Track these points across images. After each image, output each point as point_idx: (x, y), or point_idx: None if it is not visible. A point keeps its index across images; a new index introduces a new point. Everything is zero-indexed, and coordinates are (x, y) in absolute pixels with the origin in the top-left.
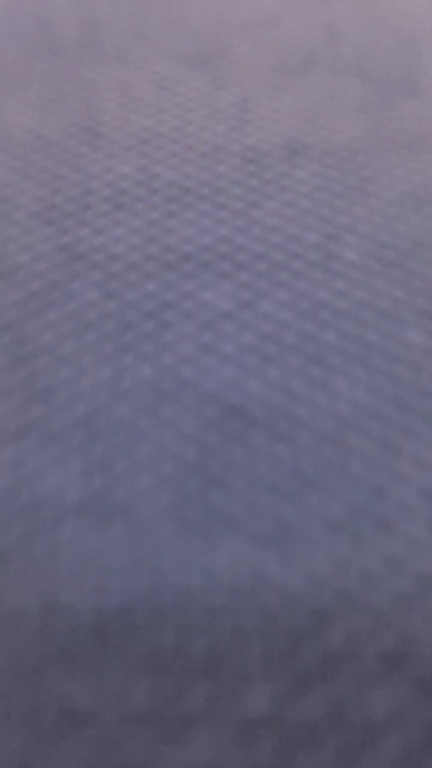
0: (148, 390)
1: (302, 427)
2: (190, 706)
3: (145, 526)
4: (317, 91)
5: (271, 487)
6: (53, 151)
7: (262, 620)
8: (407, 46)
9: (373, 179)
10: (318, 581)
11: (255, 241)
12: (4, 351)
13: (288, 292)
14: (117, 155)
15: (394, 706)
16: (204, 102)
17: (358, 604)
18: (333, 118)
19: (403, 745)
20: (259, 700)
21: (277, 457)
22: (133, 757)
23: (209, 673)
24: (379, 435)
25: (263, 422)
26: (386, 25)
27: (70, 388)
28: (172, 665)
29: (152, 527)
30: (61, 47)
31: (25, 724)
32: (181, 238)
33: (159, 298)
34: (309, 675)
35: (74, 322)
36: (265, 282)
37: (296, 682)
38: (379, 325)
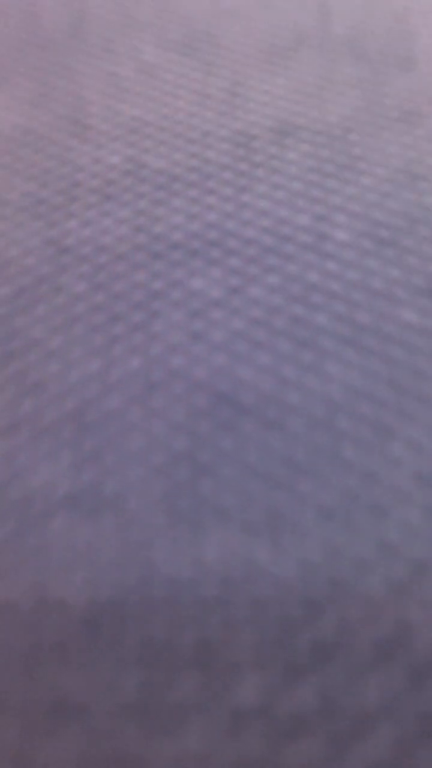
0: (137, 381)
1: (293, 413)
2: (182, 697)
3: (135, 518)
4: (309, 70)
5: (262, 475)
6: (41, 145)
7: (254, 610)
8: (401, 20)
9: (365, 157)
10: (310, 569)
11: (244, 226)
12: None
13: (278, 276)
14: (105, 146)
15: (387, 696)
16: (193, 88)
17: (351, 592)
18: (325, 97)
19: (396, 736)
20: (251, 691)
21: (268, 445)
22: (125, 748)
23: (200, 664)
24: (372, 418)
25: (254, 409)
26: (378, 1)
27: (60, 381)
28: (163, 656)
29: (143, 519)
30: (48, 40)
31: (18, 716)
32: (170, 226)
33: (148, 288)
34: (301, 665)
35: (63, 315)
36: (255, 267)
37: (288, 672)
38: (372, 305)
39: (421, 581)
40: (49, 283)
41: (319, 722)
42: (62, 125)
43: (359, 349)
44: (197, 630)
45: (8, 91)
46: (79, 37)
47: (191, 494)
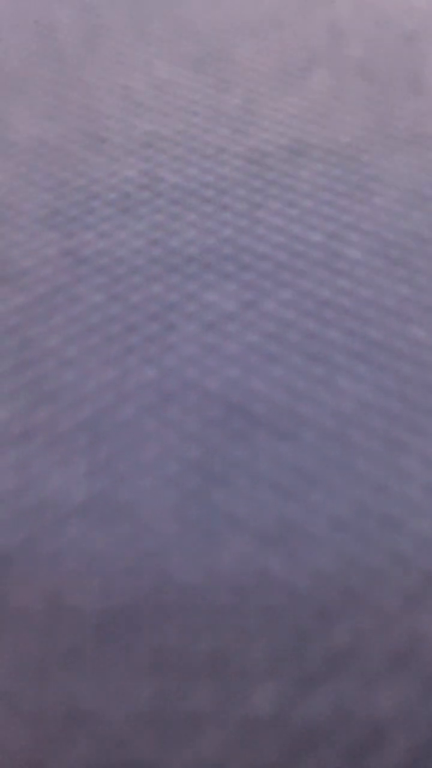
0: (152, 391)
1: (306, 424)
2: (195, 706)
3: (149, 527)
4: (321, 90)
5: (275, 485)
6: (57, 157)
7: (267, 619)
8: (412, 42)
9: (377, 177)
10: (323, 579)
11: (258, 242)
12: (10, 354)
13: (292, 291)
14: (120, 159)
15: (401, 706)
16: (207, 104)
17: (364, 602)
18: (337, 117)
19: (411, 745)
20: (264, 700)
21: (281, 455)
22: (138, 756)
23: (214, 672)
24: (383, 432)
25: (267, 420)
26: (390, 22)
27: (75, 390)
28: (176, 665)
29: (156, 527)
30: (63, 53)
31: (31, 723)
32: (185, 240)
33: (163, 300)
34: (314, 674)
35: (79, 325)
36: (269, 282)
37: (301, 681)
38: (383, 322)
39: (431, 591)
40: (66, 293)
41: (333, 731)
42: (77, 138)
43: (370, 364)
44: (210, 638)
45: (24, 103)
46: (94, 51)
47: (204, 503)
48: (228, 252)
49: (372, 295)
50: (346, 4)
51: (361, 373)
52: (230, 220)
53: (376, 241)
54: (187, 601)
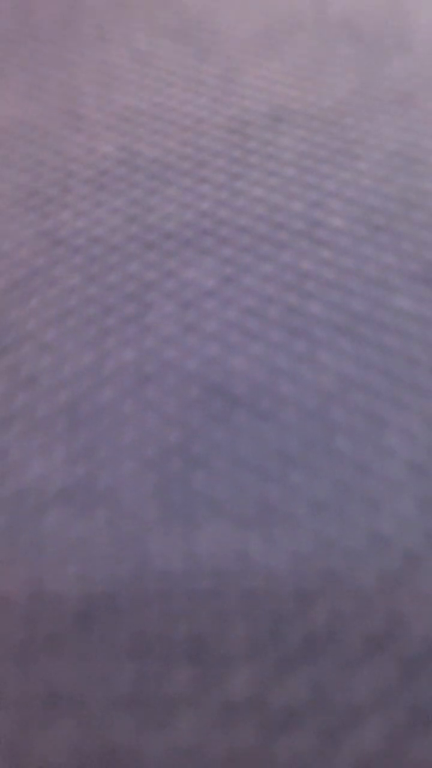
0: (130, 373)
1: (286, 403)
2: (174, 690)
3: (128, 512)
4: (304, 54)
5: (255, 467)
6: (34, 136)
7: (246, 603)
8: (396, 3)
9: (360, 141)
10: (302, 561)
11: (238, 214)
12: None
13: (272, 264)
14: (98, 135)
15: (379, 688)
16: (186, 75)
17: (343, 584)
18: (320, 81)
19: (388, 728)
20: (243, 683)
21: (261, 436)
22: (119, 740)
23: (193, 656)
24: (365, 408)
25: (246, 400)
26: None
27: (53, 375)
28: (156, 649)
29: (136, 512)
30: (41, 30)
31: (12, 709)
32: (163, 215)
33: (141, 279)
34: (292, 657)
35: (56, 308)
36: (249, 256)
37: (280, 664)
38: (366, 293)
39: (413, 573)
40: (43, 276)
41: (311, 714)
42: (55, 116)
43: (353, 338)
44: (190, 623)
45: (1, 82)
46: (72, 27)
47: (184, 487)
48: (207, 226)
49: (355, 264)
50: None
51: (343, 347)
52: (209, 193)
53: (358, 207)
54: (167, 586)
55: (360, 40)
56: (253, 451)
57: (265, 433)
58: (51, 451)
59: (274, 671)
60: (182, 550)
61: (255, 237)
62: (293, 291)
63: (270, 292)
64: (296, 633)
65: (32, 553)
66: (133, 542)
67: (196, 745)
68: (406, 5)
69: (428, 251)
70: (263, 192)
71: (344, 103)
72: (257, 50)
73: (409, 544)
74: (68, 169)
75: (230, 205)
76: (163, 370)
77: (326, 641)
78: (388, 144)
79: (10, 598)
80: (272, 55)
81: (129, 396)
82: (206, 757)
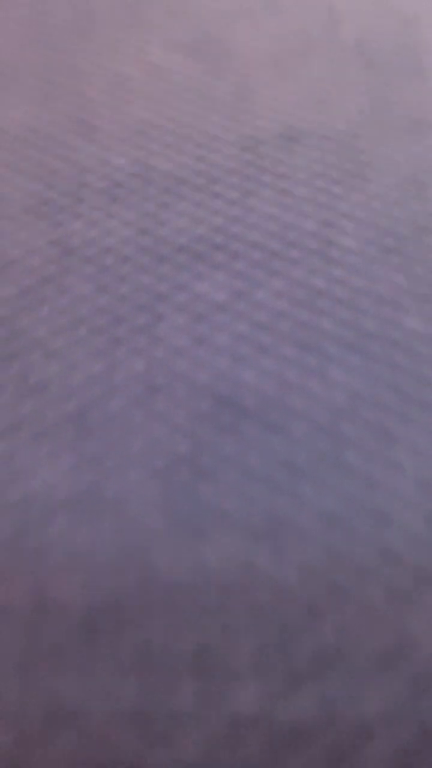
0: (140, 383)
1: (296, 417)
2: (179, 704)
3: (135, 522)
4: (316, 76)
5: (264, 480)
6: (47, 145)
7: (253, 616)
8: (410, 27)
9: (372, 164)
10: (311, 575)
11: (250, 230)
12: None
13: (284, 280)
14: (112, 147)
15: (388, 704)
16: (200, 91)
17: (352, 598)
18: (332, 103)
19: (396, 745)
20: (249, 698)
21: (270, 449)
22: (122, 755)
23: (198, 670)
24: (375, 424)
25: (256, 413)
26: (388, 6)
27: (63, 382)
28: (161, 662)
29: (143, 522)
30: (55, 39)
31: (13, 721)
32: (175, 229)
33: (152, 290)
34: (300, 672)
35: (67, 316)
36: (261, 271)
37: (287, 679)
38: (377, 312)
39: (422, 588)
40: (54, 284)
41: (319, 731)
42: (68, 125)
43: (364, 355)
44: (196, 635)
45: (15, 89)
46: (86, 37)
47: (192, 498)
48: (219, 241)
49: (366, 284)
50: None
51: (354, 363)
52: (222, 209)
53: (370, 229)
54: (173, 598)
55: (372, 65)
56: (262, 463)
57: (275, 445)
58: (58, 458)
59: (282, 686)
60: (189, 561)
61: (267, 253)
62: (305, 307)
63: (281, 308)
64: (304, 647)
65: (36, 561)
66: (139, 552)
67: (202, 760)
68: (417, 31)
69: None
70: (276, 210)
71: (356, 126)
72: (270, 70)
73: (418, 559)
74: (81, 179)
75: (243, 222)
76: (173, 381)
77: (335, 656)
78: (399, 169)
79: (13, 607)
80: (285, 75)
81: (138, 406)
82: None
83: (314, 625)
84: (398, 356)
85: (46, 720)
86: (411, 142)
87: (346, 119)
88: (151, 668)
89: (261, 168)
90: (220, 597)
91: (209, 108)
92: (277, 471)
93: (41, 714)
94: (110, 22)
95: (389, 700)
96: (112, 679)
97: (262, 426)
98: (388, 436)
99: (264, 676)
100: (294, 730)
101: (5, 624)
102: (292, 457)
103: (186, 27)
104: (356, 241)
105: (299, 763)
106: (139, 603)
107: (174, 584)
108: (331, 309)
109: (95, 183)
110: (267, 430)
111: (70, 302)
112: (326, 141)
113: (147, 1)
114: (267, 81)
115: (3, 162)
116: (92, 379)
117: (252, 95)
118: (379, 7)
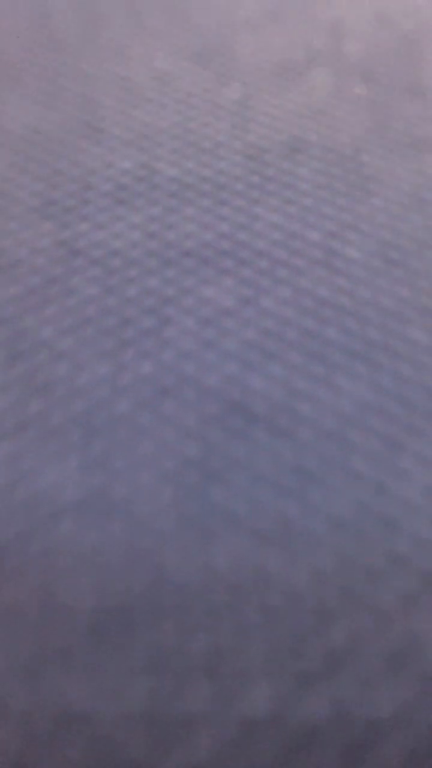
0: (148, 386)
1: (304, 423)
2: (190, 706)
3: (144, 523)
4: (319, 89)
5: (273, 484)
6: (52, 146)
7: (264, 618)
8: (412, 44)
9: (375, 178)
10: (321, 579)
11: (256, 238)
12: (2, 346)
13: (290, 289)
14: (117, 150)
15: (400, 706)
16: (205, 98)
17: (362, 602)
18: (336, 117)
19: (409, 746)
20: (261, 700)
21: (279, 453)
22: (132, 758)
23: (209, 672)
24: (382, 432)
25: (265, 418)
26: (391, 23)
27: (69, 383)
28: (171, 664)
29: (152, 524)
30: (61, 42)
31: (21, 723)
32: (182, 234)
33: (159, 294)
34: (312, 674)
35: (73, 317)
36: (267, 279)
37: (299, 681)
38: (382, 322)
39: (430, 591)
40: (60, 285)
41: (331, 732)
42: (74, 127)
43: (369, 364)
44: (207, 637)
45: (20, 91)
46: (92, 41)
47: (201, 501)
48: (226, 247)
49: (370, 295)
50: (347, 2)
51: (360, 372)
52: (228, 216)
53: (374, 241)
54: (183, 600)
55: (374, 81)
56: (271, 467)
57: (284, 450)
58: (65, 459)
59: (293, 688)
60: (199, 563)
61: (273, 261)
62: (310, 316)
63: (288, 316)
64: (316, 649)
65: (44, 562)
66: (149, 554)
67: (213, 763)
68: (419, 47)
69: None
70: (281, 219)
71: (359, 140)
72: (275, 80)
73: (426, 564)
74: (86, 181)
75: (249, 229)
76: (181, 384)
77: (345, 658)
78: (401, 184)
79: (21, 609)
80: (289, 86)
81: (146, 408)
82: None
83: (325, 627)
84: (403, 366)
85: (55, 722)
86: (412, 159)
87: (349, 134)
88: (161, 670)
89: (266, 177)
90: (230, 599)
91: (215, 115)
92: (286, 475)
93: (50, 716)
94: (116, 28)
95: (400, 701)
96: (122, 681)
97: (270, 430)
98: (395, 444)
99: (275, 678)
100: (306, 731)
101: (14, 626)
102: (301, 462)
103: (192, 35)
104: (360, 252)
105: (311, 764)
106: (149, 605)
107: (184, 586)
108: (337, 318)
109: (101, 185)
110: (276, 435)
111: (77, 303)
112: (330, 153)
113: (153, 9)
114: (271, 91)
115: (9, 163)
116: (99, 380)
117: (256, 104)
118: (382, 22)
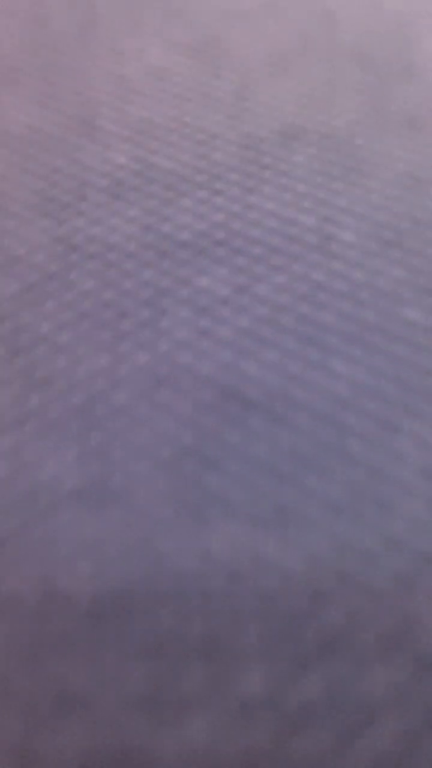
0: (144, 376)
1: (300, 408)
2: (187, 690)
3: (142, 511)
4: (314, 76)
5: (269, 469)
6: (50, 144)
7: (260, 602)
8: (405, 27)
9: (371, 160)
10: (316, 562)
11: (251, 226)
12: (2, 341)
13: (285, 275)
14: (113, 146)
15: (394, 688)
16: (200, 91)
17: (357, 584)
18: (330, 102)
19: (403, 727)
20: (257, 683)
21: (275, 439)
22: (131, 741)
23: (206, 656)
24: (378, 414)
25: (260, 404)
26: (383, 8)
27: (68, 376)
28: (169, 649)
29: (149, 512)
30: (57, 41)
31: (22, 708)
32: (178, 225)
33: (155, 285)
34: (307, 656)
35: (71, 311)
36: (262, 266)
37: (294, 663)
38: (378, 304)
39: (426, 574)
40: (58, 280)
41: (326, 714)
42: (71, 125)
43: (365, 347)
44: (203, 622)
45: (17, 90)
46: (88, 39)
47: (198, 488)
48: (220, 237)
49: (366, 277)
50: None
51: (356, 355)
52: (223, 205)
53: (369, 223)
54: (180, 586)
55: (369, 65)
56: (266, 453)
57: (279, 435)
58: (64, 450)
59: (289, 671)
60: (195, 549)
61: (268, 249)
62: (306, 301)
63: (283, 302)
64: (311, 633)
65: (44, 551)
66: (147, 542)
67: (210, 745)
68: (413, 32)
69: None
70: (276, 206)
71: (354, 124)
72: (269, 70)
73: (421, 545)
74: (83, 178)
75: (244, 218)
76: (177, 373)
77: (341, 641)
78: (397, 164)
79: (22, 597)
80: (284, 75)
81: (143, 398)
82: (220, 758)
83: (320, 610)
84: (399, 347)
85: (55, 707)
86: (407, 139)
87: (343, 117)
88: (159, 655)
89: (261, 165)
90: (226, 584)
91: (210, 107)
92: (281, 460)
93: (50, 701)
94: (111, 25)
95: (394, 683)
96: (121, 666)
97: (266, 417)
98: (391, 426)
99: (271, 661)
100: (302, 713)
101: (14, 613)
102: (297, 447)
103: (185, 28)
104: (356, 235)
105: (307, 746)
106: (147, 591)
107: (181, 572)
108: (332, 302)
109: (98, 181)
110: (271, 421)
111: (75, 297)
112: (325, 139)
113: (147, 4)
114: (266, 81)
115: (7, 161)
116: (97, 372)
117: (252, 95)
118: (375, 9)
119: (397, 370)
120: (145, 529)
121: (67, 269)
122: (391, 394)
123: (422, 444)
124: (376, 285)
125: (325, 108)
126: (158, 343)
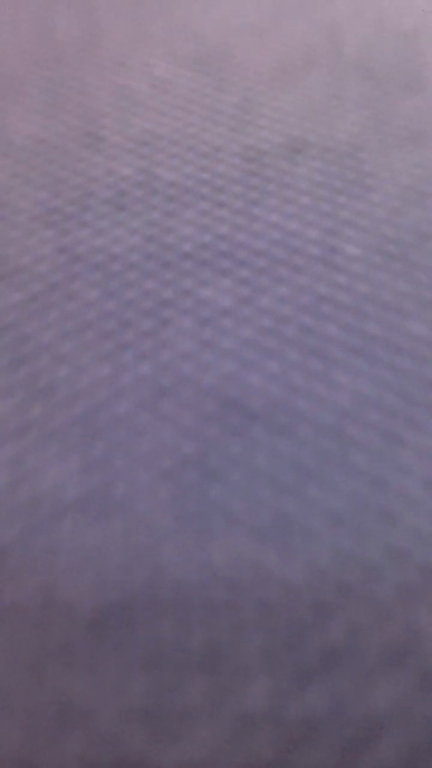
0: (147, 386)
1: (302, 419)
2: (189, 701)
3: (143, 521)
4: (319, 89)
5: (271, 480)
6: (54, 155)
7: (262, 614)
8: (409, 41)
9: (374, 174)
10: (319, 574)
11: (255, 238)
12: (6, 351)
13: (288, 287)
14: (117, 157)
15: (397, 701)
16: (204, 103)
17: (360, 596)
18: (334, 115)
19: (407, 741)
20: (259, 695)
21: (277, 450)
22: (131, 752)
23: (208, 667)
24: (381, 426)
25: (263, 415)
26: (388, 21)
27: (70, 386)
28: (170, 660)
29: (151, 522)
30: (62, 53)
31: (23, 719)
32: (181, 237)
33: (158, 296)
34: (309, 669)
35: (74, 321)
36: (265, 278)
37: (296, 676)
38: (381, 317)
39: (430, 586)
40: (61, 290)
41: (329, 727)
42: (75, 136)
43: (368, 359)
44: (205, 633)
45: (22, 102)
46: (92, 51)
47: (200, 498)
48: (224, 248)
49: (370, 290)
50: (345, 4)
51: (359, 367)
52: (227, 217)
53: (373, 236)
54: (182, 596)
55: (372, 79)
56: (269, 464)
57: (281, 447)
58: (67, 460)
59: (291, 683)
60: (197, 560)
61: (272, 261)
62: (309, 313)
63: (286, 313)
64: (313, 645)
65: (46, 561)
66: (148, 552)
67: (211, 757)
68: (416, 45)
69: None
70: (280, 218)
71: (358, 137)
72: (273, 83)
73: (424, 557)
74: (87, 189)
75: (247, 230)
76: (179, 384)
77: (343, 653)
78: (400, 178)
79: (23, 607)
80: (288, 88)
81: (145, 408)
82: None
83: (323, 622)
84: (402, 360)
85: (56, 718)
86: (411, 153)
87: (347, 131)
88: (160, 666)
89: (265, 178)
90: (228, 595)
91: (214, 120)
92: (284, 471)
93: (51, 712)
94: (116, 38)
95: (398, 696)
96: (122, 677)
97: (268, 428)
98: (394, 438)
99: (273, 673)
100: (304, 726)
101: (16, 623)
102: (299, 458)
103: (190, 42)
104: (360, 248)
105: (309, 759)
106: (148, 602)
107: (182, 583)
108: (336, 314)
109: (101, 192)
110: (273, 432)
111: (78, 308)
112: (328, 152)
113: (152, 17)
114: (270, 94)
115: (12, 172)
116: (99, 382)
117: (256, 108)
118: (379, 23)
119: (400, 383)
120: (147, 539)
121: (70, 279)
122: (394, 406)
123: (425, 456)
124: (380, 298)
125: (330, 121)
126: (160, 354)
